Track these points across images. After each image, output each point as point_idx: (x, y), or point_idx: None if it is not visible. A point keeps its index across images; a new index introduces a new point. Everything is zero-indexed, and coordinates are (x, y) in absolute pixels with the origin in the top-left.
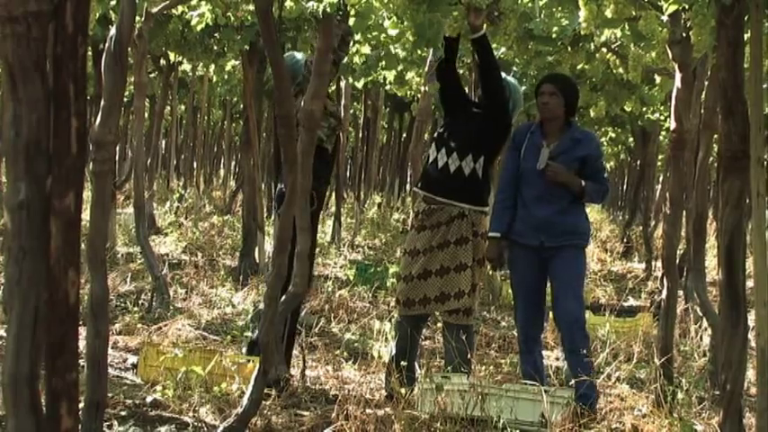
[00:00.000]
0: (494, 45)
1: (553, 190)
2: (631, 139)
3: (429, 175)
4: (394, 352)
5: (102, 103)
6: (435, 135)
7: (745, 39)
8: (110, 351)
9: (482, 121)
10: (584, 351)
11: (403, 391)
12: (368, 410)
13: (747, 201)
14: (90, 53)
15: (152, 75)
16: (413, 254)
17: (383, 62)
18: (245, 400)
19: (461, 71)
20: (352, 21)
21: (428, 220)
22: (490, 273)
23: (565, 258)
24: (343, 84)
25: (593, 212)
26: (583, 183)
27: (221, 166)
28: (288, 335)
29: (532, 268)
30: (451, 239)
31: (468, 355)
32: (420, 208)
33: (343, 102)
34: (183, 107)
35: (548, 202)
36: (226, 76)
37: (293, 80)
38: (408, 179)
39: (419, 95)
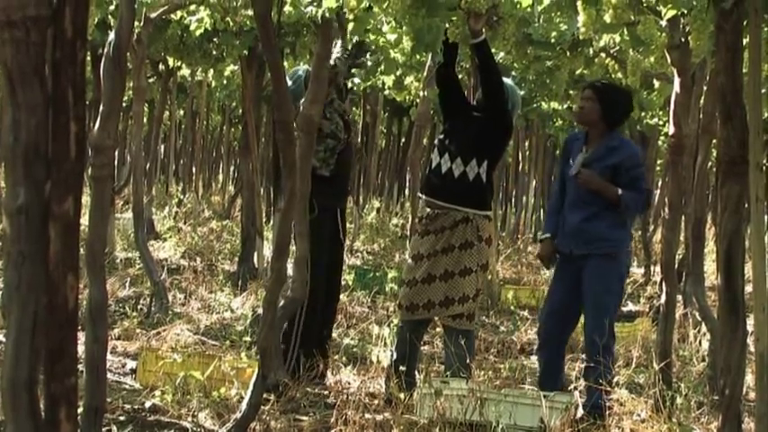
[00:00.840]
0: (492, 50)
1: (585, 197)
2: None
3: (432, 180)
4: (394, 357)
5: (101, 107)
6: (437, 141)
7: (744, 43)
8: (109, 356)
9: (483, 125)
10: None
11: (402, 396)
12: (367, 415)
13: (746, 206)
14: (89, 58)
15: (151, 79)
16: (417, 258)
17: (382, 67)
18: (243, 405)
19: (461, 76)
20: (350, 25)
21: (432, 224)
22: (489, 277)
23: (593, 269)
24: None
25: None
26: (619, 191)
27: (220, 170)
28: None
29: (564, 280)
30: (456, 244)
31: (468, 360)
32: (424, 213)
33: None
34: (181, 112)
35: (579, 208)
36: (225, 81)
37: (295, 99)
38: (407, 184)
39: (418, 100)
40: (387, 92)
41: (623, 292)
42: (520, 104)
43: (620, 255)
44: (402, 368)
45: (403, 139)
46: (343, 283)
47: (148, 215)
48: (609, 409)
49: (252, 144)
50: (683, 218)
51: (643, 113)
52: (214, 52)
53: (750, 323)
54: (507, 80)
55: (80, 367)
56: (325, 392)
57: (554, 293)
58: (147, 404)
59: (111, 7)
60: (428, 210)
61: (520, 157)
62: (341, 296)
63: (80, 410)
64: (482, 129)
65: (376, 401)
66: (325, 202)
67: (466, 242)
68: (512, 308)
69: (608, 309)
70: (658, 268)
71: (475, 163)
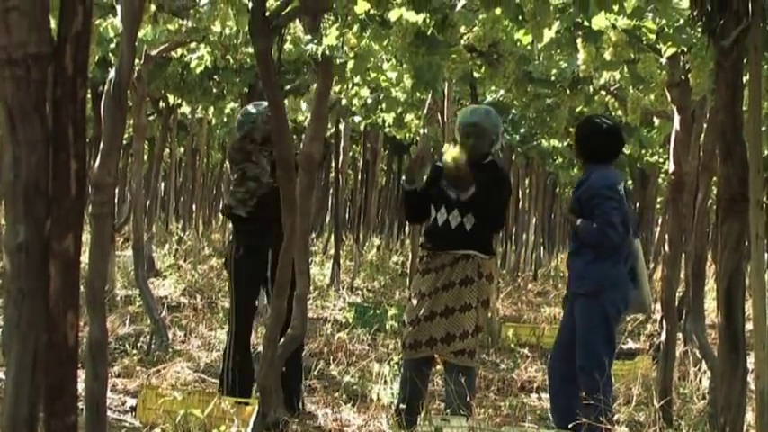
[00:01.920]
0: (492, 87)
1: (571, 233)
2: (630, 182)
3: (431, 232)
4: (397, 398)
5: (101, 145)
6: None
7: (744, 81)
8: (109, 393)
9: (477, 196)
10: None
11: None
12: None
13: (746, 243)
14: (89, 95)
15: (151, 117)
16: (418, 297)
17: (382, 104)
18: None
19: None
20: (351, 63)
21: (432, 262)
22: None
23: (578, 307)
24: (342, 126)
25: None
26: (579, 221)
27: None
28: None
29: (568, 316)
30: (456, 280)
31: (468, 398)
32: (424, 252)
33: (342, 144)
34: (182, 149)
35: (570, 245)
36: (225, 119)
37: (239, 127)
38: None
39: (418, 138)
40: (387, 129)
41: (611, 331)
42: (500, 130)
43: (603, 293)
44: (402, 406)
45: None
46: (343, 320)
47: (149, 252)
48: None
49: None
50: (683, 255)
51: (643, 151)
52: (214, 90)
53: (750, 361)
54: (492, 110)
55: (80, 405)
56: (326, 430)
57: (561, 329)
58: None
59: (112, 45)
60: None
61: (520, 195)
62: (341, 333)
63: None
64: (478, 199)
65: None
66: (250, 242)
67: (466, 278)
68: (512, 345)
69: (593, 347)
70: (659, 306)
71: (472, 216)
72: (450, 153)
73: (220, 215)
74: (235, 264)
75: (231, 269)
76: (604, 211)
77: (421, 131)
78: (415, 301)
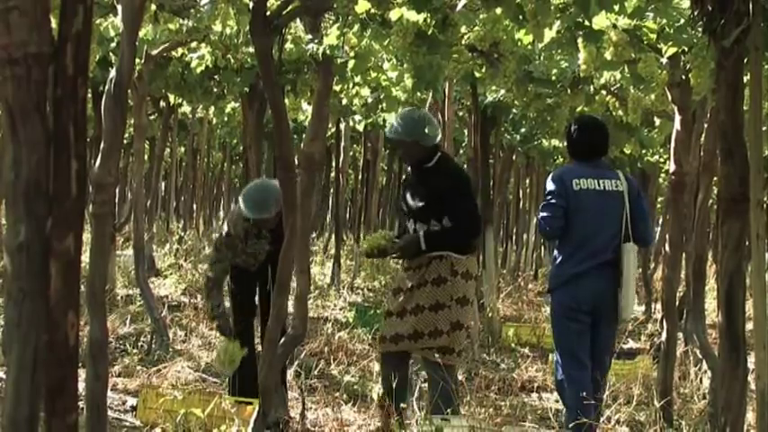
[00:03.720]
0: (493, 87)
1: None
2: None
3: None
4: (380, 392)
5: (101, 144)
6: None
7: (745, 81)
8: (109, 393)
9: (426, 207)
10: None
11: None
12: None
13: (747, 243)
14: (90, 95)
15: (152, 117)
16: (395, 293)
17: (383, 104)
18: None
19: (460, 113)
20: (351, 63)
21: (412, 261)
22: (490, 314)
23: None
24: (342, 126)
25: None
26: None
27: (221, 207)
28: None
29: None
30: (429, 279)
31: (449, 392)
32: None
33: (342, 143)
34: (182, 149)
35: None
36: (225, 118)
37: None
38: None
39: None
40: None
41: (561, 331)
42: (422, 128)
43: (554, 291)
44: (387, 401)
45: (403, 177)
46: (343, 320)
47: (149, 252)
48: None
49: None
50: (683, 255)
51: (644, 151)
52: (215, 89)
53: (751, 361)
54: (424, 112)
55: (80, 404)
56: (326, 430)
57: None
58: None
59: (113, 45)
60: None
61: (520, 195)
62: (342, 333)
63: None
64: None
65: None
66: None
67: (439, 277)
68: (512, 345)
69: (556, 337)
70: (659, 306)
71: (435, 222)
72: (367, 241)
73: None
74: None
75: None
76: (542, 208)
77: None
78: (392, 296)
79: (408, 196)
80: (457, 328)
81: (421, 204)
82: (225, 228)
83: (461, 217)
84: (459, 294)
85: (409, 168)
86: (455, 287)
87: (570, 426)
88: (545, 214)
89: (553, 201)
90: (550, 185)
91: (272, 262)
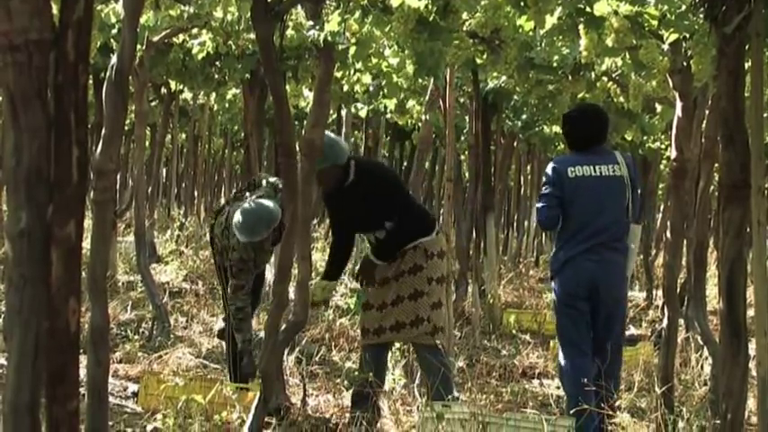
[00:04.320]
0: (494, 73)
1: None
2: None
3: (376, 250)
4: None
5: (102, 131)
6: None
7: (746, 67)
8: (110, 380)
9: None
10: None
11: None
12: None
13: (748, 230)
14: (91, 81)
15: (153, 103)
16: (380, 284)
17: (384, 91)
18: (245, 429)
19: (461, 99)
20: (352, 49)
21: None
22: (491, 301)
23: None
24: (344, 112)
25: None
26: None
27: (222, 194)
28: None
29: None
30: (405, 269)
31: (443, 374)
32: None
33: (344, 130)
34: (183, 136)
35: None
36: (227, 105)
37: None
38: None
39: (420, 124)
40: (389, 116)
41: (561, 317)
42: (338, 156)
43: (554, 278)
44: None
45: (405, 163)
46: (344, 306)
47: (150, 239)
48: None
49: (254, 168)
50: (684, 242)
51: (645, 137)
52: (216, 76)
53: (752, 347)
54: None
55: (82, 391)
56: (327, 416)
57: None
58: (149, 428)
59: (114, 31)
60: None
61: (522, 182)
62: (343, 319)
63: None
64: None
65: (378, 425)
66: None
67: (415, 266)
68: (513, 332)
69: (556, 331)
70: (660, 292)
71: (387, 223)
72: (314, 294)
73: (242, 323)
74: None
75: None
76: (540, 197)
77: (423, 118)
78: (371, 288)
79: (347, 218)
80: (437, 308)
81: (366, 217)
82: (234, 254)
83: (401, 215)
84: (438, 275)
85: (326, 194)
86: (432, 269)
87: (571, 413)
88: (540, 205)
89: (548, 191)
90: (546, 176)
91: None
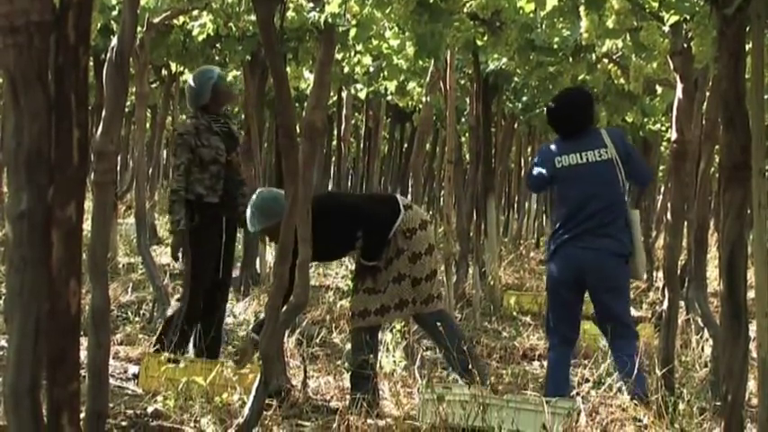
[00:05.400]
0: (495, 55)
1: None
2: None
3: (363, 254)
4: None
5: (103, 113)
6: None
7: (747, 49)
8: (111, 361)
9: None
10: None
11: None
12: (369, 421)
13: (749, 211)
14: (91, 63)
15: (153, 85)
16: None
17: (385, 72)
18: (246, 411)
19: (462, 81)
20: (353, 31)
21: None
22: (491, 283)
23: None
24: (344, 94)
25: None
26: None
27: None
28: None
29: None
30: (391, 256)
31: (458, 341)
32: None
33: (344, 112)
34: (184, 117)
35: None
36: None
37: (193, 101)
38: (410, 189)
39: (420, 106)
40: (389, 97)
41: (552, 300)
42: (276, 204)
43: (547, 263)
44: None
45: (405, 145)
46: (345, 288)
47: (151, 220)
48: (611, 414)
49: (254, 149)
50: (685, 224)
51: (646, 119)
52: (217, 58)
53: (752, 329)
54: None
55: (82, 372)
56: (328, 398)
57: None
58: (150, 409)
59: (114, 13)
60: None
61: (522, 163)
62: (343, 301)
63: (82, 416)
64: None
65: (379, 407)
66: (214, 222)
67: (398, 250)
68: (514, 314)
69: None
70: (661, 274)
71: (357, 244)
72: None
73: (173, 205)
74: (194, 234)
75: (189, 240)
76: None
77: (423, 99)
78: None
79: (318, 251)
80: (432, 277)
81: (336, 245)
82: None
83: (365, 224)
84: (424, 247)
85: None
86: (416, 245)
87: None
88: (530, 175)
89: (536, 171)
90: (534, 163)
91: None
